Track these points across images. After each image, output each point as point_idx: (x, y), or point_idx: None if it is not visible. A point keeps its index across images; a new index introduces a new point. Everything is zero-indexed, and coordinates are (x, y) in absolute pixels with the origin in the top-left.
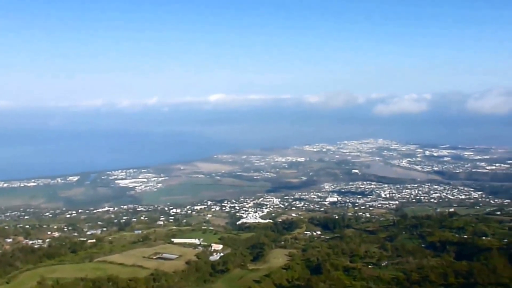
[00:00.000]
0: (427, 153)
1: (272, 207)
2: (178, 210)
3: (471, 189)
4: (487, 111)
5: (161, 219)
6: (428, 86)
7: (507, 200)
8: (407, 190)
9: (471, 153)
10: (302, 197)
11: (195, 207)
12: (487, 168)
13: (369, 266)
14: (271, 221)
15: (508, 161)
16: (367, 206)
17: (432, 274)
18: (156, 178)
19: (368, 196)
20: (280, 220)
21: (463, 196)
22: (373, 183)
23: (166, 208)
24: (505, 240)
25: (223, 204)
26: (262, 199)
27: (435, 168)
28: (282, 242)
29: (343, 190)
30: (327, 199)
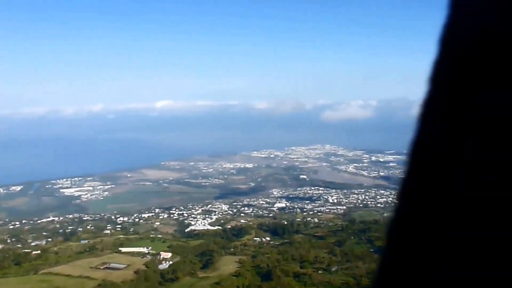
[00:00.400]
0: (373, 158)
1: (220, 213)
2: (125, 219)
3: None
4: None
5: (108, 228)
6: (373, 92)
7: None
8: (354, 195)
9: None
10: (250, 203)
11: (143, 215)
12: None
13: (319, 272)
14: (220, 227)
15: None
16: (315, 211)
17: None
18: (102, 186)
19: (316, 202)
20: (229, 226)
21: None
22: (321, 188)
23: (113, 217)
24: None
25: (171, 211)
26: (210, 205)
27: (381, 173)
28: (232, 249)
29: (291, 196)
30: (275, 205)
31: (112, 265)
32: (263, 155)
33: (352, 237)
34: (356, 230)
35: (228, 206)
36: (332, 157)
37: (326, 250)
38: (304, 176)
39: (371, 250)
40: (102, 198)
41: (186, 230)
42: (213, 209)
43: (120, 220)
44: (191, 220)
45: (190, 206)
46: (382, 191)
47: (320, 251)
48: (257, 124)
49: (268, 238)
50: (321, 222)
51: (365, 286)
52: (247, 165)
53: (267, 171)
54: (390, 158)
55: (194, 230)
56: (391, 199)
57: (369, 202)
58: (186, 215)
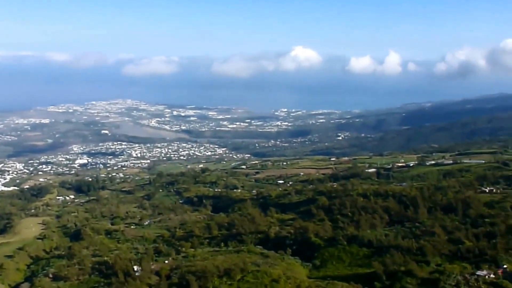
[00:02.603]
0: (175, 113)
1: (15, 173)
2: None
3: (216, 146)
4: (230, 75)
5: None
6: (176, 49)
7: (247, 155)
8: (157, 149)
9: (215, 113)
10: (49, 160)
11: None
12: (229, 126)
13: (132, 227)
14: (16, 188)
15: (247, 120)
16: (120, 166)
17: (196, 228)
18: None
19: (120, 156)
20: (27, 186)
21: (209, 153)
22: (123, 143)
23: None
24: (254, 191)
25: None
26: (3, 165)
27: (183, 127)
28: (33, 210)
29: (93, 152)
30: (76, 162)
31: None
32: (61, 110)
33: (161, 190)
34: (164, 183)
35: (23, 164)
36: (134, 111)
37: (136, 205)
38: (106, 131)
39: (181, 201)
40: None
41: None
42: (6, 169)
43: None
44: None
45: None
46: (184, 144)
47: (130, 206)
48: (54, 77)
49: (72, 196)
50: (127, 176)
51: (179, 237)
52: (43, 121)
53: (66, 127)
54: (191, 112)
55: None
56: (193, 151)
57: (172, 155)
58: None
